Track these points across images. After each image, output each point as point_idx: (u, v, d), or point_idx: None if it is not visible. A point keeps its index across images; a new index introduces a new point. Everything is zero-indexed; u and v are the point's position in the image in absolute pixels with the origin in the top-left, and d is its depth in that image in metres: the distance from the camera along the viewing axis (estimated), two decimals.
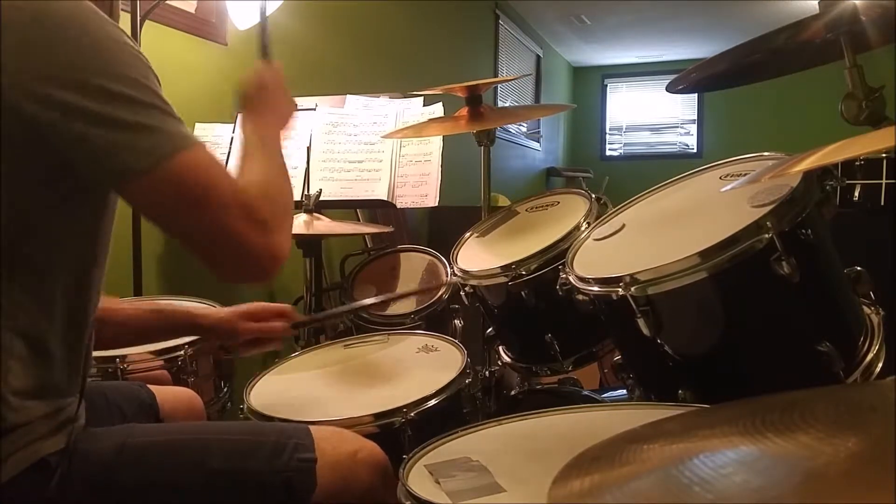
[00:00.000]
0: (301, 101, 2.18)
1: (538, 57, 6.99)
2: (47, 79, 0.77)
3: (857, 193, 2.06)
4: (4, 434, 0.81)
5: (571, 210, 1.61)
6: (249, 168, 0.96)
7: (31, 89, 0.77)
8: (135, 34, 1.87)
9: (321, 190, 1.92)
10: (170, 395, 1.28)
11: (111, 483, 0.89)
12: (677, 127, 8.23)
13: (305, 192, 1.94)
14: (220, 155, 2.20)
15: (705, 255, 1.03)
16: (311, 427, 1.02)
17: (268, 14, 2.24)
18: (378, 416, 1.19)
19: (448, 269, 1.94)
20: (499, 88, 5.83)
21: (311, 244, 2.01)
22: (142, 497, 0.91)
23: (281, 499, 0.94)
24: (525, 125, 6.69)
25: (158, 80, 0.85)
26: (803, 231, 1.04)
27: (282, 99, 1.11)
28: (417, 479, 0.87)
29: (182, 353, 1.50)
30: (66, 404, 0.88)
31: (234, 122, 2.18)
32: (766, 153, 1.24)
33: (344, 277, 2.18)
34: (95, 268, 0.91)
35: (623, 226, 1.35)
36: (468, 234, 1.76)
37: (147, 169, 0.80)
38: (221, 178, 0.85)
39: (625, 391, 1.37)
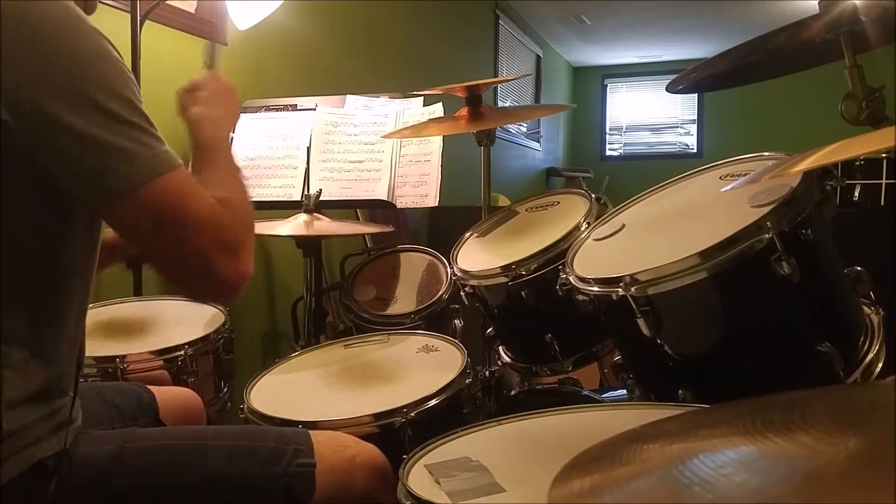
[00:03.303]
0: (301, 101, 2.19)
1: (538, 57, 6.99)
2: (39, 89, 0.77)
3: (857, 193, 2.07)
4: (1, 440, 0.81)
5: (571, 210, 1.61)
6: (211, 179, 0.96)
7: (20, 98, 0.76)
8: (135, 34, 1.87)
9: (321, 190, 1.92)
10: (169, 395, 1.28)
11: (109, 486, 0.89)
12: (677, 127, 8.23)
13: (305, 192, 1.94)
14: None
15: (705, 255, 1.03)
16: (310, 431, 1.02)
17: (267, 14, 2.25)
18: (378, 416, 1.19)
19: (448, 269, 1.94)
20: (499, 88, 5.83)
21: (311, 244, 2.01)
22: (140, 501, 0.91)
23: (280, 503, 0.94)
24: (525, 125, 6.69)
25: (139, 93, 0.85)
26: (803, 231, 1.04)
27: (229, 100, 1.14)
28: (417, 479, 0.87)
29: (182, 353, 1.50)
30: (60, 406, 0.88)
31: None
32: (766, 153, 1.24)
33: (344, 277, 2.18)
34: (87, 271, 0.92)
35: (623, 226, 1.35)
36: (468, 234, 1.76)
37: (124, 192, 0.81)
38: (196, 202, 0.86)
39: (625, 391, 1.37)
